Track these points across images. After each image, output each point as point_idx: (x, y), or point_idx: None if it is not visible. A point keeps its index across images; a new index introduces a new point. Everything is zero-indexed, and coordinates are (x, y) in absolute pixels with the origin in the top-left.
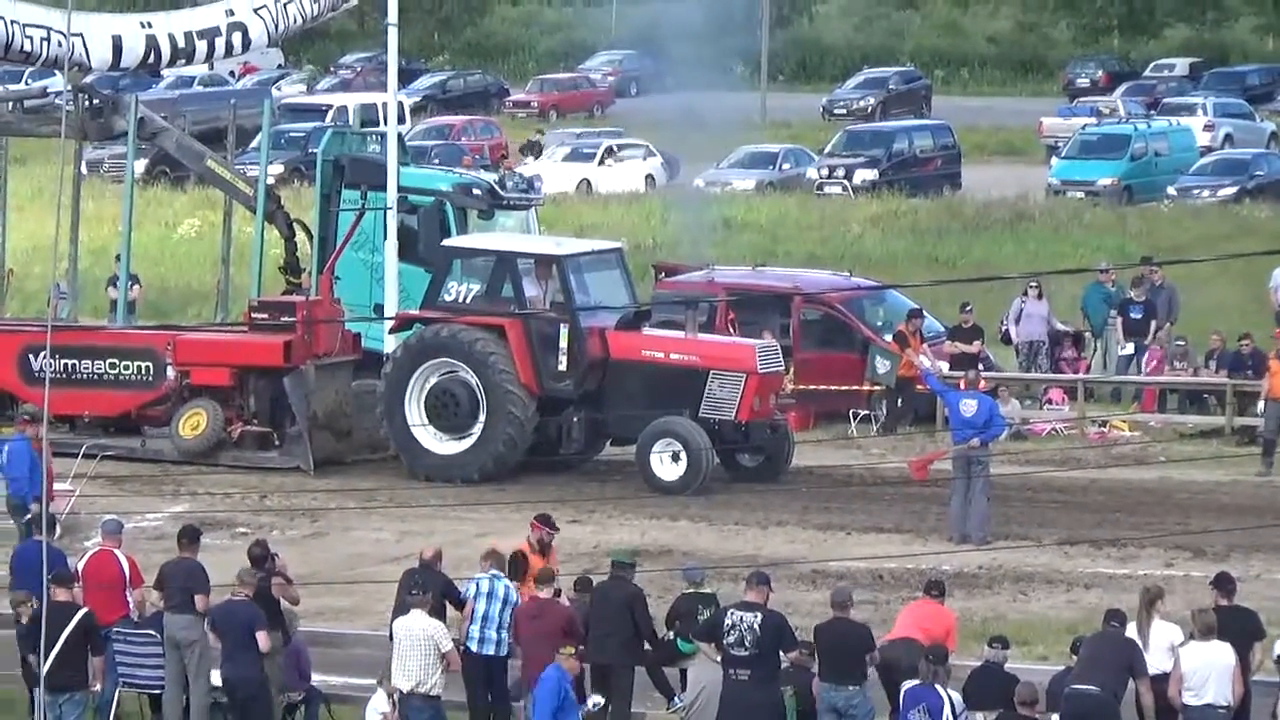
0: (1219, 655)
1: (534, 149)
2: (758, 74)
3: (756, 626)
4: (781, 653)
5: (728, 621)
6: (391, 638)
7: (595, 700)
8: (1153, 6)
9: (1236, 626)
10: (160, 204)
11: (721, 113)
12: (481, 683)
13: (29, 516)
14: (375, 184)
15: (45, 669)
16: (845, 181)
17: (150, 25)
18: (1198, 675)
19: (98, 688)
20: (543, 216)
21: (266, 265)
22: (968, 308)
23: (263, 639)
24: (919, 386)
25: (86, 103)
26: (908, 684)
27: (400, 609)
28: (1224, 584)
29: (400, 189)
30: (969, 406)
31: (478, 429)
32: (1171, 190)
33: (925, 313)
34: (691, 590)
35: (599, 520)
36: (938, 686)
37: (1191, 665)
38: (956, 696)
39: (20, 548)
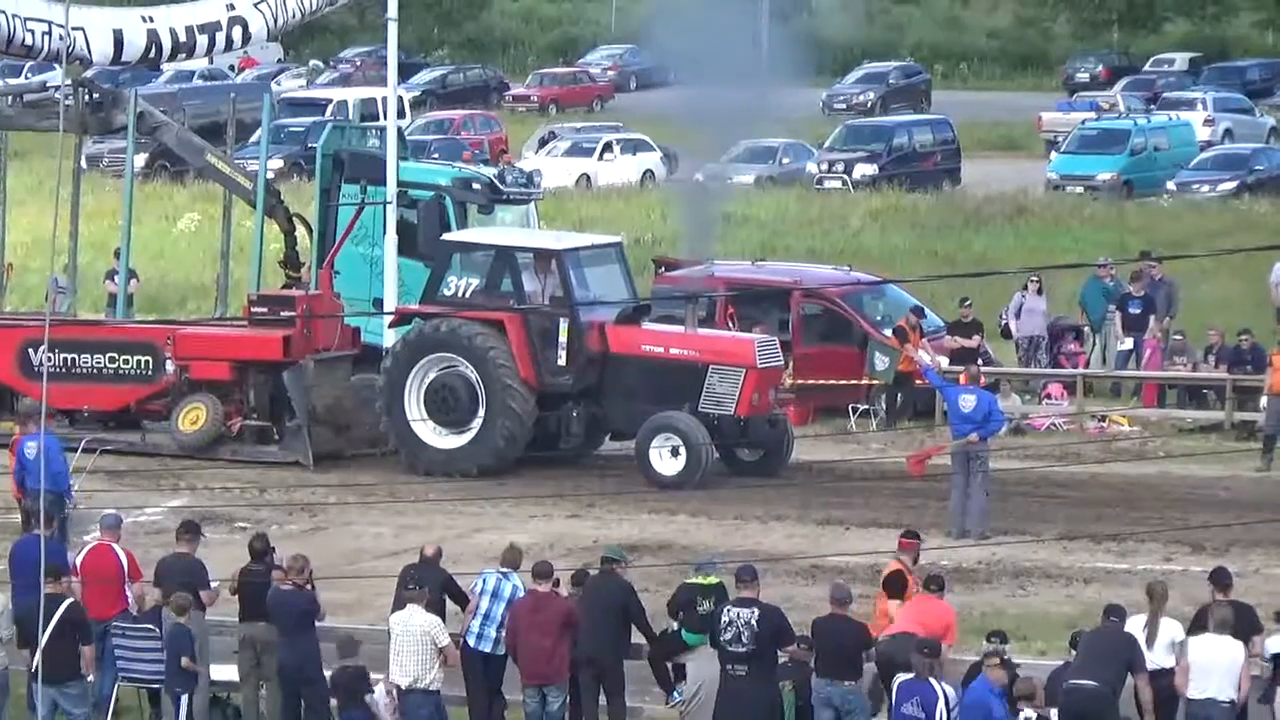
0: (1228, 651)
1: (546, 145)
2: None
3: (754, 622)
4: (779, 648)
5: (725, 618)
6: (389, 633)
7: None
8: (1152, 1)
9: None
10: (160, 198)
11: (721, 108)
12: (479, 678)
13: (66, 514)
14: (375, 178)
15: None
16: (845, 176)
17: (151, 19)
18: (1200, 668)
19: (91, 677)
20: (542, 211)
21: (266, 260)
22: (967, 302)
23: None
24: (918, 381)
25: (86, 97)
26: (901, 678)
27: (398, 604)
28: (1221, 579)
29: (400, 183)
30: (968, 401)
31: (477, 424)
32: (1171, 185)
33: (925, 308)
34: (692, 580)
35: (598, 515)
36: (932, 680)
37: (1197, 658)
38: (951, 690)
39: (18, 542)
